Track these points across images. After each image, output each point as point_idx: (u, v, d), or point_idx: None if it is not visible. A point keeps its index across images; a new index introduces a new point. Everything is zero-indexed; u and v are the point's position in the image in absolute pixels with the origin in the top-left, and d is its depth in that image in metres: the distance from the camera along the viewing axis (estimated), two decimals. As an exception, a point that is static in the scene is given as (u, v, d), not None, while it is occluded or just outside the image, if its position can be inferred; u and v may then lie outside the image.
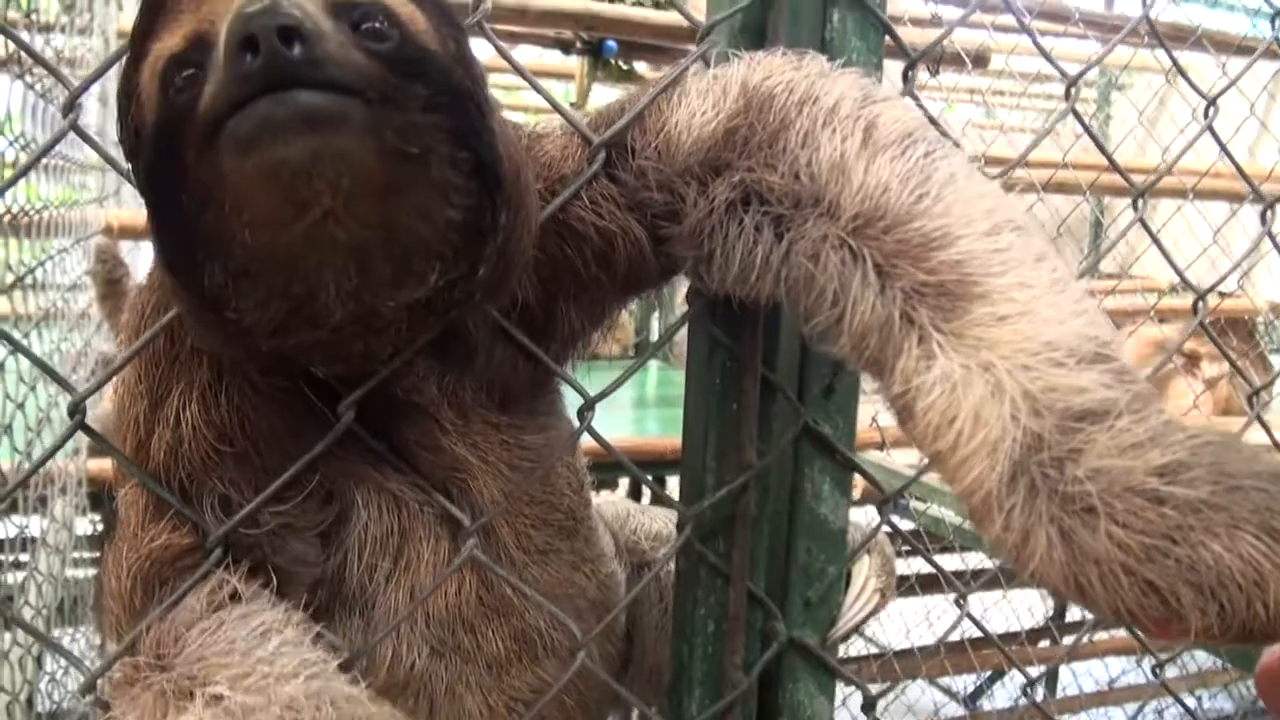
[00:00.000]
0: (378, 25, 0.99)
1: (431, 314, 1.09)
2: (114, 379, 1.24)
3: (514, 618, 1.36)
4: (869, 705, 1.58)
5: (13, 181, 1.20)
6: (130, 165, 1.11)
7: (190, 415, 1.18)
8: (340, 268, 0.99)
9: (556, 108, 1.30)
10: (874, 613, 1.57)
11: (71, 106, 1.07)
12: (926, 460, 1.08)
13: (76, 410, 1.12)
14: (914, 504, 4.67)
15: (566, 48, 4.63)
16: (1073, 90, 1.61)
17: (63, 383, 1.13)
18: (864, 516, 1.62)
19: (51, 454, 1.19)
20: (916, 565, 5.20)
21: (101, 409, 2.56)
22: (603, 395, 1.34)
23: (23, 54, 2.61)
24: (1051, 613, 6.25)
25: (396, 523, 1.28)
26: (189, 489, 1.19)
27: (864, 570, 1.57)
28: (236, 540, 1.19)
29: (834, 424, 1.48)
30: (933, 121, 1.28)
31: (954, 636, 4.76)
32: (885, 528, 1.60)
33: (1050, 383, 0.99)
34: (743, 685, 1.48)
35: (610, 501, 1.86)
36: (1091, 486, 0.93)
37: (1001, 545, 0.98)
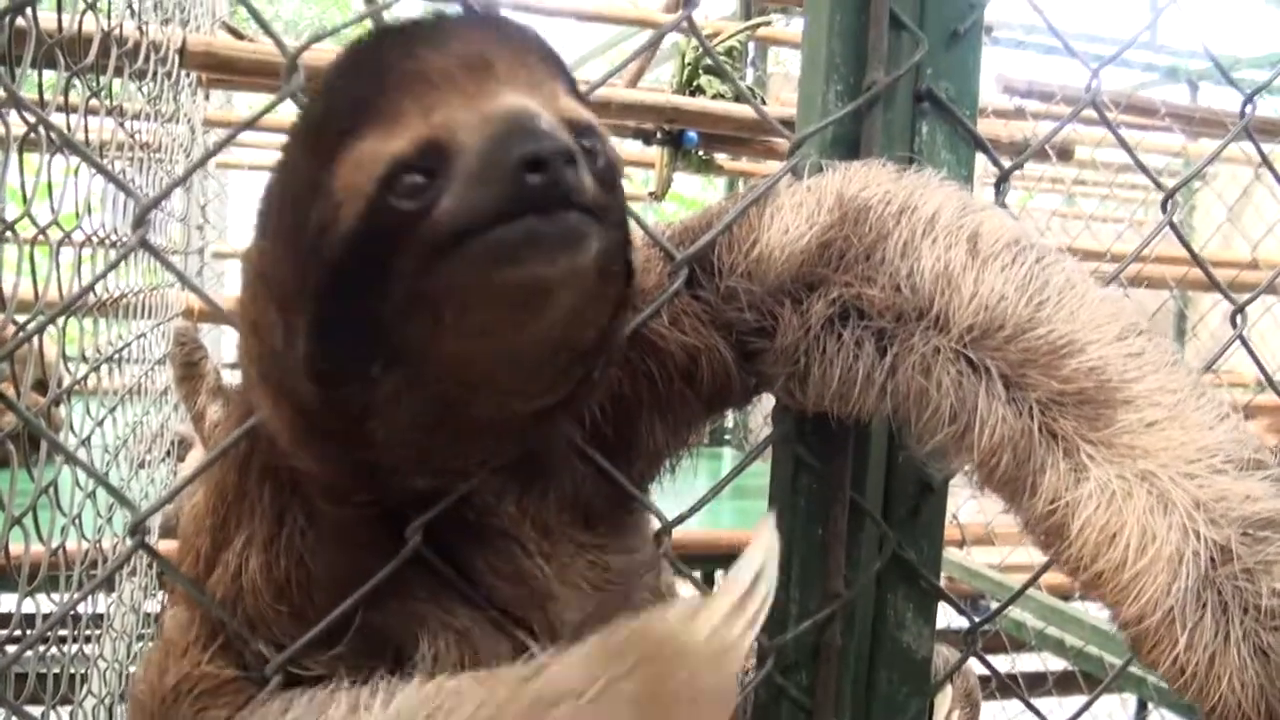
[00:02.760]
0: (594, 145, 0.98)
1: (541, 423, 1.09)
2: (188, 489, 1.22)
3: None
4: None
5: (89, 287, 1.18)
6: (283, 255, 1.01)
7: (251, 569, 1.14)
8: (519, 373, 1.01)
9: (639, 223, 1.27)
10: (960, 746, 1.50)
11: (141, 222, 1.05)
12: (1079, 583, 1.02)
13: (137, 530, 1.09)
14: (994, 606, 4.55)
15: (648, 138, 4.65)
16: (1170, 203, 1.56)
17: (124, 500, 1.11)
18: (944, 618, 1.53)
19: (106, 577, 1.17)
20: (999, 666, 5.06)
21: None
22: (680, 520, 1.28)
23: (103, 140, 2.66)
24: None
25: (467, 658, 1.21)
26: (243, 631, 1.16)
27: (947, 701, 1.50)
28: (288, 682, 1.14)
29: (919, 549, 1.42)
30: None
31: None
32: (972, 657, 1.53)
33: (1219, 490, 0.95)
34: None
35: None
36: None
37: (1181, 671, 0.94)
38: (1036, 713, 1.62)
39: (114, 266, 1.13)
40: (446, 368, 0.98)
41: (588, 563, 1.27)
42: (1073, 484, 1.02)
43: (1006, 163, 1.45)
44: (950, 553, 4.32)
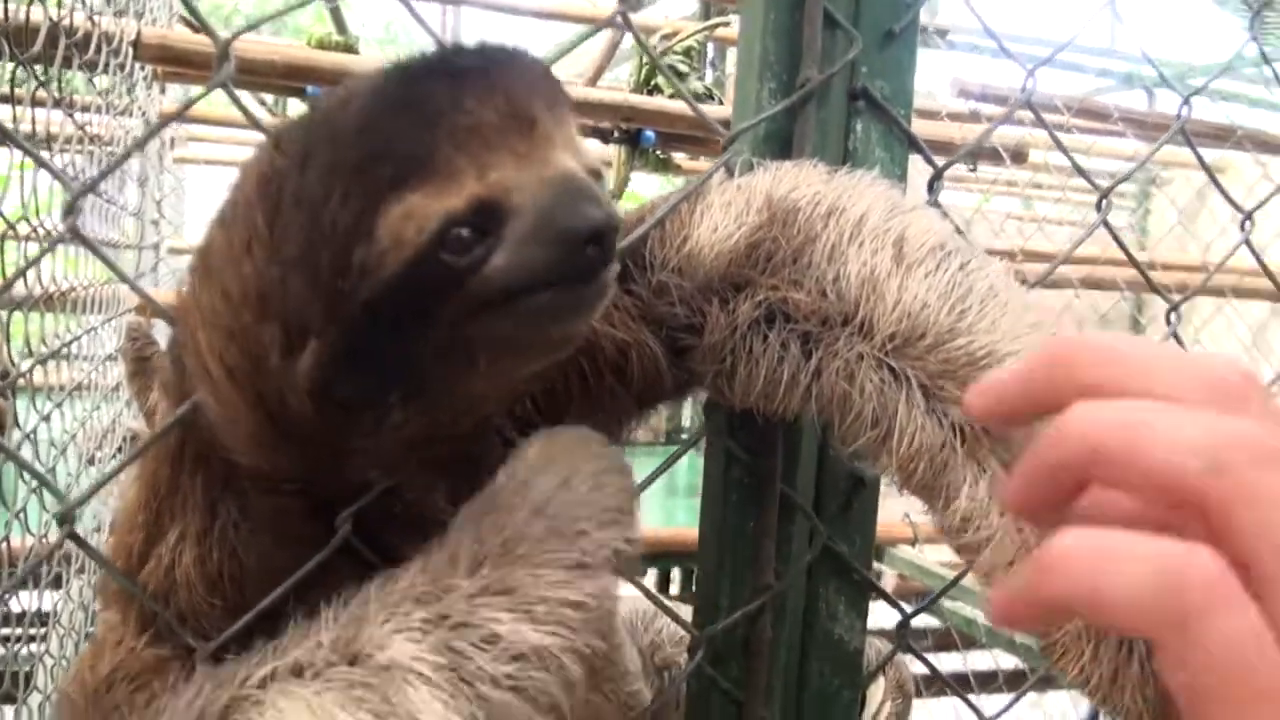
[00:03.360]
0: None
1: (488, 422, 1.14)
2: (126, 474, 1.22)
3: None
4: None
5: (15, 278, 1.17)
6: (299, 281, 0.98)
7: (184, 563, 1.14)
8: (513, 395, 1.14)
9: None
10: (891, 739, 1.51)
11: (71, 210, 1.04)
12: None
13: (65, 520, 1.08)
14: (945, 603, 4.58)
15: (605, 137, 4.65)
16: (1104, 203, 1.58)
17: (53, 490, 1.10)
18: (895, 616, 1.56)
19: (38, 565, 1.16)
20: (950, 663, 5.10)
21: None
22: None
23: (52, 133, 2.64)
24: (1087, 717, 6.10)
25: None
26: (174, 624, 1.15)
27: (879, 694, 1.51)
28: None
29: (850, 542, 1.43)
30: (959, 232, 1.26)
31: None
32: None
33: None
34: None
35: (634, 598, 1.80)
36: None
37: (1087, 680, 0.99)
38: (972, 707, 1.64)
39: (41, 257, 1.12)
40: (462, 398, 1.04)
41: None
42: (986, 513, 1.05)
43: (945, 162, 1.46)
44: (902, 550, 4.35)
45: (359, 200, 0.93)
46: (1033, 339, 1.09)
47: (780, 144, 1.36)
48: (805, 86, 1.33)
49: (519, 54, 1.01)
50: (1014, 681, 4.86)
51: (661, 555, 3.65)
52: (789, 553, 1.40)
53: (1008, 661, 4.66)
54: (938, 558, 4.54)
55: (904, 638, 1.52)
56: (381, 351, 0.98)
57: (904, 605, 1.51)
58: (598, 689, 1.40)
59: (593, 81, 5.20)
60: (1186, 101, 1.76)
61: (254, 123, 1.20)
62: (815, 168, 1.21)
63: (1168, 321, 1.71)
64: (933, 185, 1.44)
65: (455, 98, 0.95)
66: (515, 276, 0.94)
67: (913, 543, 4.34)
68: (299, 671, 0.98)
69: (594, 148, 5.08)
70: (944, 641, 5.07)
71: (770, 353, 1.16)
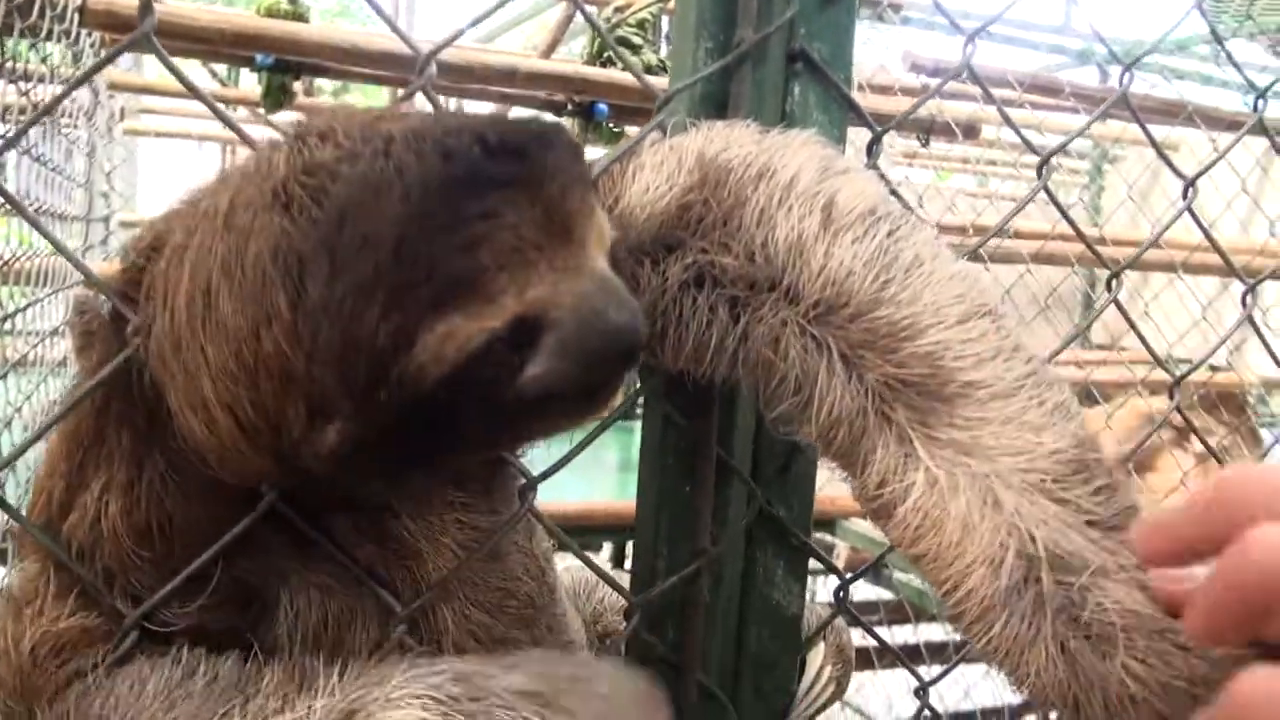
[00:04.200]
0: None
1: None
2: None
3: None
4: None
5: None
6: (329, 374, 0.96)
7: (111, 513, 1.11)
8: None
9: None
10: (829, 702, 1.51)
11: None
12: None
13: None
14: (897, 575, 4.61)
15: (558, 110, 4.60)
16: (1045, 168, 1.58)
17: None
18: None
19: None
20: (903, 636, 5.14)
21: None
22: (545, 476, 1.28)
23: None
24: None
25: (330, 615, 1.20)
26: (104, 578, 1.12)
27: (819, 658, 1.51)
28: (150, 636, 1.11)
29: (789, 506, 1.43)
30: (894, 194, 1.25)
31: (941, 708, 4.69)
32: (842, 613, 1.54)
33: (1043, 500, 1.00)
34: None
35: (574, 569, 1.79)
36: (1117, 620, 0.96)
37: (995, 651, 1.01)
38: (917, 676, 1.64)
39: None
40: (474, 461, 1.16)
41: (456, 521, 1.26)
42: (901, 470, 1.06)
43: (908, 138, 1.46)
44: (855, 523, 4.36)
45: (399, 317, 0.93)
46: (956, 311, 1.08)
47: (716, 106, 1.34)
48: (740, 46, 1.32)
49: (555, 145, 1.00)
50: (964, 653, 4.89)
51: (617, 528, 3.64)
52: (726, 518, 1.40)
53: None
54: (890, 531, 4.55)
55: (842, 602, 1.52)
56: (409, 442, 1.01)
57: (839, 571, 1.51)
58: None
59: (547, 54, 5.17)
60: (1128, 70, 1.76)
61: (190, 88, 1.18)
62: (749, 128, 1.20)
63: (1109, 288, 1.72)
64: (871, 149, 1.43)
65: (496, 213, 0.95)
66: (549, 385, 0.98)
67: (863, 515, 4.35)
68: None
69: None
70: (897, 615, 5.10)
71: (699, 316, 1.16)
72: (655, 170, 1.19)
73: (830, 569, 1.50)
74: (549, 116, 4.81)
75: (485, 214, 0.94)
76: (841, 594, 1.52)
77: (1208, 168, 1.80)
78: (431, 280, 0.93)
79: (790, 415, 1.15)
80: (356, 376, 0.95)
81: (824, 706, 1.51)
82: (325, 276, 0.93)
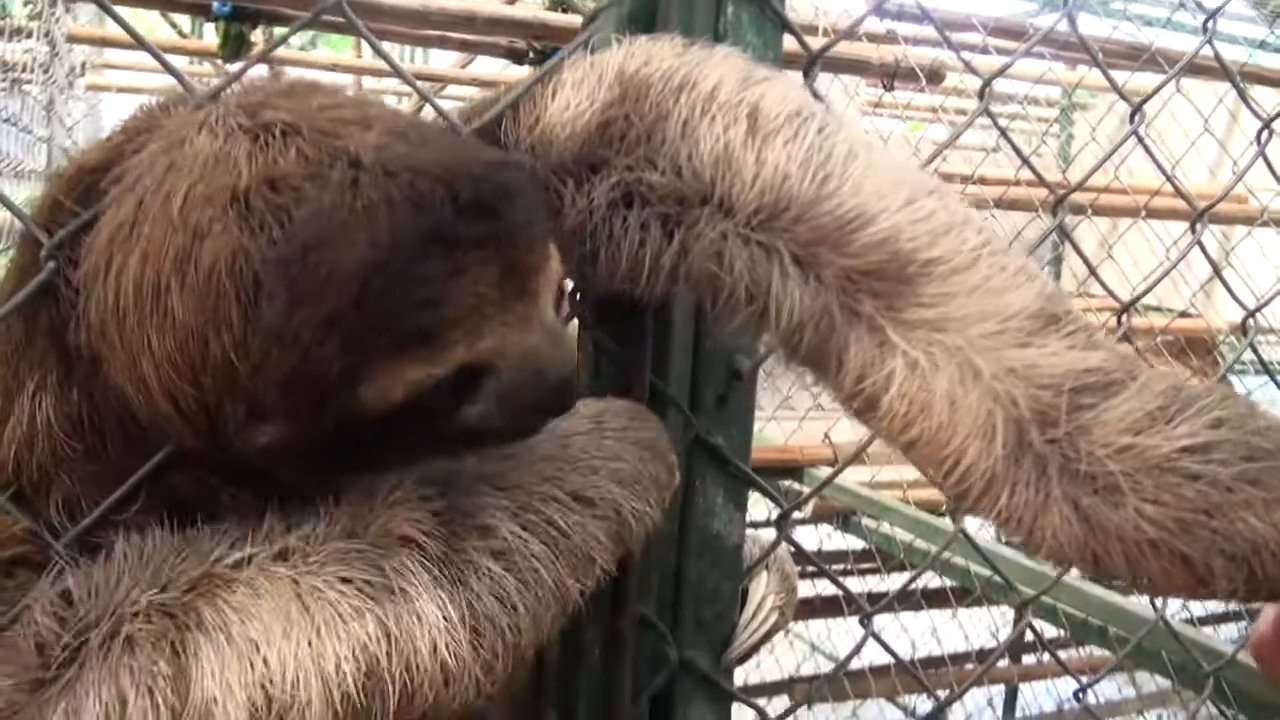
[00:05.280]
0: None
1: None
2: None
3: None
4: (768, 728, 1.51)
5: None
6: (273, 387, 0.98)
7: (45, 408, 1.10)
8: None
9: (424, 97, 1.24)
10: (773, 632, 1.51)
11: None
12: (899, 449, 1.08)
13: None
14: (865, 522, 4.63)
15: (519, 58, 4.57)
16: (985, 91, 1.55)
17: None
18: (817, 535, 1.56)
19: None
20: (871, 584, 5.16)
21: None
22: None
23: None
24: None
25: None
26: (38, 484, 1.12)
27: (761, 588, 1.50)
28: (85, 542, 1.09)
29: (728, 435, 1.41)
30: (817, 96, 1.24)
31: (909, 655, 4.73)
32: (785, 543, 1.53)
33: (1028, 354, 1.00)
34: (633, 713, 1.40)
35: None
36: (1115, 466, 0.96)
37: (1008, 520, 1.01)
38: (857, 600, 1.64)
39: None
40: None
41: None
42: (879, 360, 1.04)
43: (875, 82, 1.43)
44: (822, 471, 4.37)
45: (354, 357, 0.96)
46: (901, 194, 1.07)
47: (646, 25, 1.31)
48: (670, -40, 1.29)
49: (520, 198, 1.02)
50: (933, 599, 4.92)
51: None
52: (663, 447, 1.38)
53: (931, 581, 4.71)
54: (857, 478, 4.57)
55: (783, 530, 1.51)
56: (342, 450, 1.03)
57: (780, 500, 1.49)
58: None
59: (511, 2, 5.11)
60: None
61: (135, 36, 1.16)
62: (671, 42, 1.18)
63: (1054, 214, 1.71)
64: (808, 71, 1.41)
65: (461, 270, 0.97)
66: (489, 422, 1.03)
67: (832, 463, 4.36)
68: (285, 555, 1.02)
69: (515, 72, 5.01)
70: (863, 561, 5.13)
71: (631, 235, 1.13)
72: (575, 88, 1.16)
73: (767, 495, 1.48)
74: (514, 67, 4.77)
75: (451, 273, 0.96)
76: (782, 522, 1.50)
77: (1154, 91, 1.79)
78: (391, 330, 0.96)
79: (748, 327, 1.14)
80: (300, 397, 0.98)
81: (768, 636, 1.50)
82: (283, 304, 0.94)
